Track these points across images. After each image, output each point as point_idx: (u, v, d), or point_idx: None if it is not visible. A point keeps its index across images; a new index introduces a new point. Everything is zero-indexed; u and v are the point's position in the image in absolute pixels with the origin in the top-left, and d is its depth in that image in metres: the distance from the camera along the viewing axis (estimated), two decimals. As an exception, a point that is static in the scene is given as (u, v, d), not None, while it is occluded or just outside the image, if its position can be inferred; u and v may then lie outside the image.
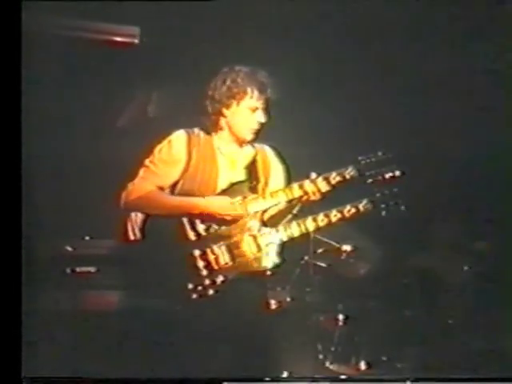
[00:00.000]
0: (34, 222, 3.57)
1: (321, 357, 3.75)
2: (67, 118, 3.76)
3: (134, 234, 3.54)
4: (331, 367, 3.73)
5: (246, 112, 3.51)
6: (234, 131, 3.54)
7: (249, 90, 3.47)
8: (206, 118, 3.55)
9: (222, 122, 3.54)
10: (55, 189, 3.69)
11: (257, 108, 3.50)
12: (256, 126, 3.51)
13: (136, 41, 3.89)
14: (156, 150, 3.50)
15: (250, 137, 3.54)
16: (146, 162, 3.50)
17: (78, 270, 3.63)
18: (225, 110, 3.51)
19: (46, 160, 3.69)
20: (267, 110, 3.51)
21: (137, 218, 3.54)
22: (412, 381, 3.55)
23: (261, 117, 3.50)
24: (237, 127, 3.53)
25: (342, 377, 3.67)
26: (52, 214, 3.66)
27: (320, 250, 3.79)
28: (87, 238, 3.68)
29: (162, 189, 3.48)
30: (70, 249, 3.67)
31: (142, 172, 3.49)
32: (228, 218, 3.44)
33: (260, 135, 3.55)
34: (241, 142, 3.57)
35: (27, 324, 3.48)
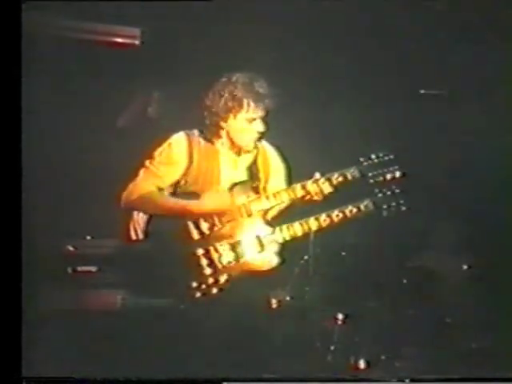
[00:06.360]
0: (35, 222, 3.56)
1: (320, 356, 3.77)
2: (68, 118, 3.76)
3: (137, 234, 3.57)
4: (330, 366, 3.75)
5: (244, 123, 3.53)
6: (234, 141, 3.56)
7: (245, 102, 3.48)
8: (205, 128, 3.58)
9: (221, 132, 3.57)
10: (56, 188, 3.68)
11: (254, 119, 3.52)
12: (255, 136, 3.54)
13: (137, 42, 3.90)
14: (156, 153, 3.53)
15: (250, 146, 3.57)
16: (147, 163, 3.53)
17: (79, 269, 3.62)
18: (222, 123, 3.53)
19: (46, 160, 3.68)
20: (265, 119, 3.53)
21: (139, 217, 3.58)
22: (411, 380, 3.57)
23: (259, 126, 3.52)
24: (236, 138, 3.56)
25: (342, 376, 3.68)
26: (53, 213, 3.66)
27: (320, 250, 3.81)
28: (89, 237, 3.68)
29: (161, 190, 3.51)
30: (71, 248, 3.66)
31: (142, 173, 3.53)
32: (224, 212, 3.46)
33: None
34: (240, 151, 3.59)
35: (27, 324, 3.46)
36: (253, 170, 3.63)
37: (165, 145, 3.54)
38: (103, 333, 3.52)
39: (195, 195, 3.51)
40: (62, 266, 3.61)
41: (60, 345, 3.56)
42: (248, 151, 3.61)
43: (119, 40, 3.91)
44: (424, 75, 3.78)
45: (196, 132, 3.59)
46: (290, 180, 3.61)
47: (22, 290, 3.44)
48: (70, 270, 3.61)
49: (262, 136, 3.56)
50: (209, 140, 3.58)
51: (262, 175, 3.64)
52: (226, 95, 3.49)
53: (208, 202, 3.47)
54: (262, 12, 3.75)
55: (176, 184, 3.53)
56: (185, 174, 3.52)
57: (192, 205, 3.47)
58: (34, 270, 3.52)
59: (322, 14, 3.77)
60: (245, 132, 3.54)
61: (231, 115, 3.51)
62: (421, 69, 3.78)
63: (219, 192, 3.50)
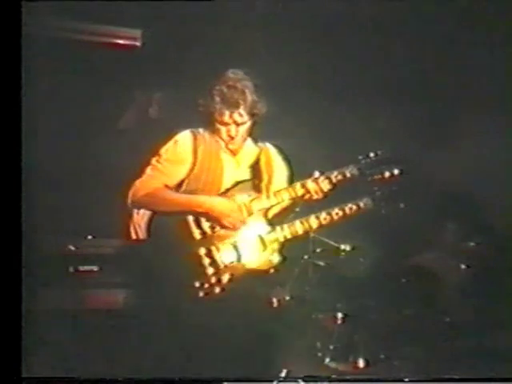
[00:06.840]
0: (37, 221, 3.56)
1: (320, 355, 3.77)
2: (68, 118, 3.77)
3: (137, 234, 3.56)
4: (330, 365, 3.76)
5: (216, 124, 3.55)
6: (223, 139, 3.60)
7: (217, 108, 3.48)
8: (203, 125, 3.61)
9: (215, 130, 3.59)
10: (57, 188, 3.68)
11: (226, 123, 3.53)
12: (225, 138, 3.56)
13: (138, 43, 3.91)
14: (162, 150, 3.53)
15: (230, 146, 3.58)
16: (153, 161, 3.52)
17: (80, 268, 3.62)
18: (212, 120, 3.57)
19: (47, 159, 3.69)
20: (241, 124, 3.52)
21: (139, 217, 3.57)
22: (410, 380, 3.59)
23: (229, 131, 3.54)
24: (215, 133, 3.59)
25: (341, 376, 3.69)
26: (55, 213, 3.66)
27: (319, 249, 3.83)
28: (90, 237, 3.67)
29: (168, 187, 3.51)
30: (72, 248, 3.66)
31: (149, 170, 3.51)
32: (229, 221, 3.48)
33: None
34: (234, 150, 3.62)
35: (28, 324, 3.46)
36: (255, 169, 3.64)
37: (170, 142, 3.53)
38: (104, 333, 3.53)
39: (197, 193, 3.52)
40: (63, 266, 3.62)
41: (60, 345, 3.57)
42: (236, 150, 3.62)
43: (120, 41, 3.92)
44: (422, 74, 3.81)
45: (201, 130, 3.60)
46: (292, 180, 3.62)
47: (22, 290, 3.45)
48: (71, 270, 3.62)
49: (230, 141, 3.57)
50: (212, 138, 3.60)
51: (263, 174, 3.64)
52: (205, 97, 3.50)
53: (219, 204, 3.49)
54: (263, 12, 3.77)
55: (181, 182, 3.54)
56: (190, 172, 3.53)
57: (202, 201, 3.49)
58: (35, 269, 3.53)
59: (322, 14, 3.79)
60: (218, 131, 3.56)
61: (204, 115, 3.52)
62: (418, 68, 3.81)
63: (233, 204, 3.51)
